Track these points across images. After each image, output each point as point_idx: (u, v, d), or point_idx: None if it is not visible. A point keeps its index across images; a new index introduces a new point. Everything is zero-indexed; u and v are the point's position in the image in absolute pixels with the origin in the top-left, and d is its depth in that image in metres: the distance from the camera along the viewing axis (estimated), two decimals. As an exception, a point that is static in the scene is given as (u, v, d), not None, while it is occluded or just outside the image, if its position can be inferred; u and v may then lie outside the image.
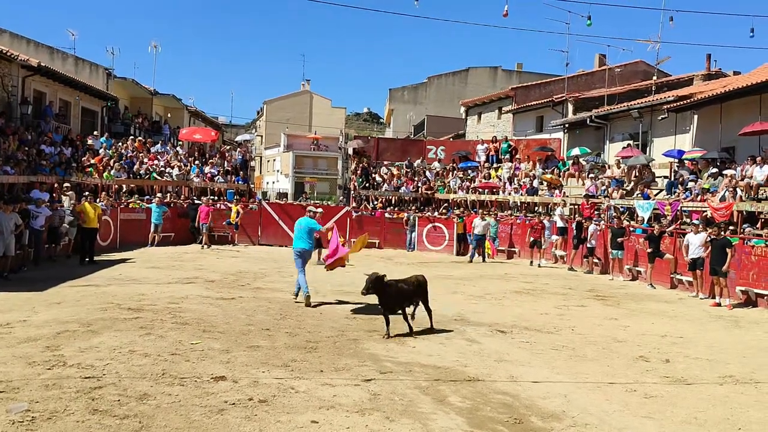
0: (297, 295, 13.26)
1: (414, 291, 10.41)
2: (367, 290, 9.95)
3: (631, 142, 26.57)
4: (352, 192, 29.72)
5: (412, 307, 10.65)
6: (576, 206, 23.75)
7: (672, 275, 17.58)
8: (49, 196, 19.74)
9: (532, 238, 22.34)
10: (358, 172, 29.92)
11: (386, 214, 27.10)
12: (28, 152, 22.29)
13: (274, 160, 72.78)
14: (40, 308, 11.30)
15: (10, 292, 12.99)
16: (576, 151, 27.57)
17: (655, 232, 17.95)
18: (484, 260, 22.84)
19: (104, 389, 6.79)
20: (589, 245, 20.67)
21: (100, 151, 26.65)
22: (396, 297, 10.12)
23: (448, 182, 29.13)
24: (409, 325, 10.25)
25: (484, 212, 24.76)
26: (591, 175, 25.10)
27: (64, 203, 19.95)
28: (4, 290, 13.19)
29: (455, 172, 29.91)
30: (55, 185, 21.49)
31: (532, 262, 22.14)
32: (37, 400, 6.42)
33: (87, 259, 18.22)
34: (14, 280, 14.69)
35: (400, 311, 10.25)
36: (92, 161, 25.24)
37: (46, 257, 18.27)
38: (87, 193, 21.25)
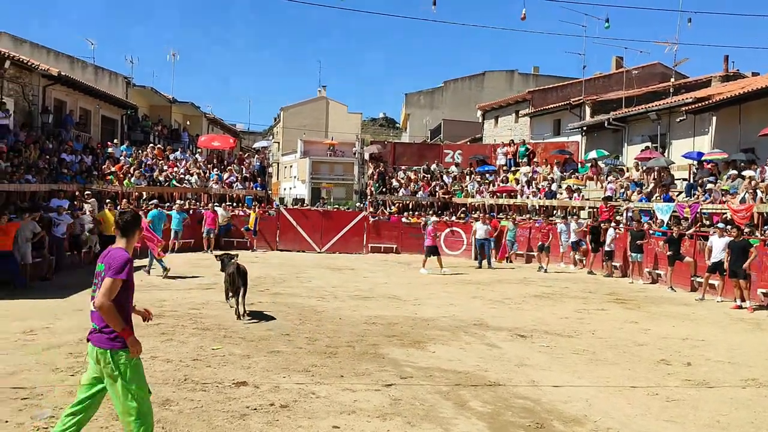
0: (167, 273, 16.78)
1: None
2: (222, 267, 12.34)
3: (649, 144, 26.46)
4: (369, 197, 29.77)
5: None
6: (594, 209, 23.64)
7: (692, 278, 17.46)
8: (68, 203, 19.94)
9: (540, 242, 22.17)
10: (375, 177, 29.96)
11: (403, 219, 27.11)
12: (49, 161, 22.56)
13: (291, 166, 73.13)
14: (63, 315, 11.43)
15: (33, 299, 13.15)
16: (593, 154, 27.48)
17: (674, 234, 17.83)
18: (489, 265, 22.16)
19: (127, 395, 6.84)
20: (608, 248, 20.55)
21: (120, 158, 26.90)
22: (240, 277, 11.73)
23: (466, 186, 29.11)
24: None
25: (486, 216, 24.35)
26: (610, 178, 24.98)
27: (85, 211, 20.14)
28: (27, 298, 13.34)
29: (473, 176, 29.88)
30: (76, 193, 21.70)
31: (540, 267, 21.67)
32: (61, 406, 6.47)
33: None
34: (37, 288, 14.85)
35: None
36: (112, 169, 25.48)
37: (69, 265, 18.41)
38: (108, 200, 21.45)
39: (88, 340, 4.96)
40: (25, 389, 7.00)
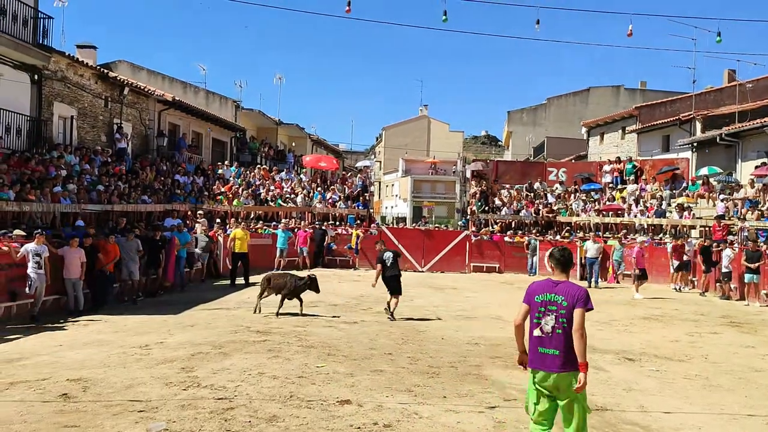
0: None
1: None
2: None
3: (766, 160, 25.21)
4: (471, 216, 29.60)
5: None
6: (706, 228, 22.71)
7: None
8: (181, 222, 20.81)
9: (677, 262, 21.33)
10: (477, 195, 29.80)
11: (506, 238, 26.82)
12: (164, 182, 23.63)
13: (393, 185, 73.67)
14: (176, 331, 11.91)
15: (148, 315, 13.77)
16: (705, 171, 26.44)
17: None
18: (596, 285, 21.92)
19: (236, 410, 7.06)
20: (725, 270, 19.63)
21: (230, 179, 27.87)
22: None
23: (570, 205, 28.55)
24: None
25: (598, 235, 23.83)
26: (722, 196, 23.94)
27: (196, 230, 20.95)
28: (143, 313, 13.99)
29: (577, 194, 29.29)
30: (189, 213, 22.62)
31: (680, 288, 21.18)
32: (174, 419, 6.75)
33: (244, 282, 19.00)
34: (151, 303, 15.52)
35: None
36: (222, 189, 26.44)
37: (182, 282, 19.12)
38: (241, 221, 22.45)
39: (537, 368, 5.36)
40: (141, 402, 7.32)
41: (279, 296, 14.03)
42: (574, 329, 5.26)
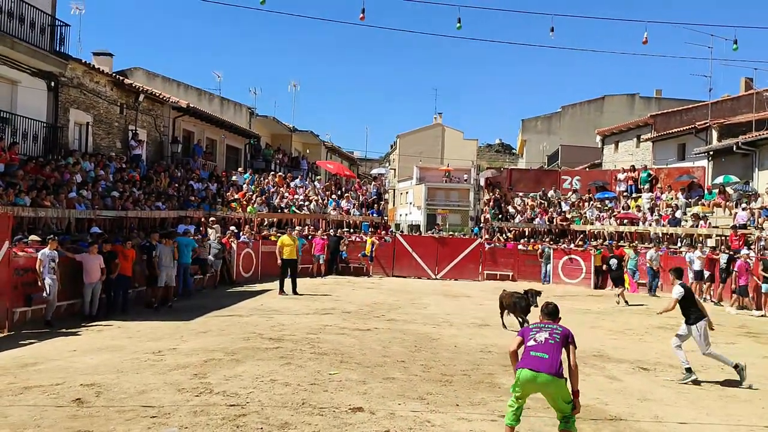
0: None
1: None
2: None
3: (783, 168, 25.00)
4: (485, 223, 29.53)
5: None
6: (723, 237, 22.52)
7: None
8: (194, 229, 20.83)
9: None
10: (491, 203, 29.74)
11: (520, 246, 26.73)
12: (178, 188, 23.71)
13: (407, 192, 73.68)
14: (189, 337, 11.92)
15: (161, 321, 13.79)
16: (721, 180, 26.25)
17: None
18: (653, 293, 22.34)
19: (248, 417, 7.05)
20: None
21: (243, 186, 27.94)
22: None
23: (585, 213, 28.42)
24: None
25: (657, 244, 24.17)
26: (742, 205, 23.72)
27: (210, 236, 20.99)
28: (156, 319, 14.01)
29: (592, 202, 29.16)
30: (202, 219, 22.68)
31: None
32: (186, 425, 6.74)
33: (294, 292, 18.91)
34: (165, 310, 15.55)
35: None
36: (236, 196, 26.51)
37: (194, 288, 19.14)
38: (288, 227, 22.72)
39: (524, 367, 6.12)
40: (153, 408, 7.33)
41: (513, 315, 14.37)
42: (572, 364, 6.20)
